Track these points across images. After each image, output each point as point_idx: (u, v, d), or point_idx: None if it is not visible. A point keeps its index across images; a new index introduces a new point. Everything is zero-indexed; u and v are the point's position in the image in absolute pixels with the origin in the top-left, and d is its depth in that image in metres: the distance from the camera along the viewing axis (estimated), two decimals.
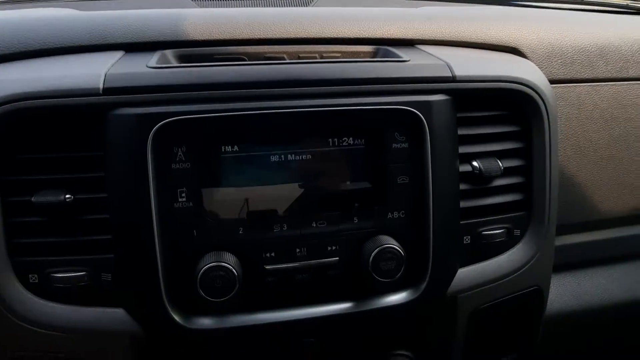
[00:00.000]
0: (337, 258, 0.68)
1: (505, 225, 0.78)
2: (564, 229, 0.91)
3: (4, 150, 0.63)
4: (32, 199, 0.63)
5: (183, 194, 0.64)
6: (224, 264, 0.62)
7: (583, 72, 0.92)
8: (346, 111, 0.67)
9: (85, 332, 0.66)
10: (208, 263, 0.62)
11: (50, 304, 0.65)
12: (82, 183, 0.65)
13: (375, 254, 0.66)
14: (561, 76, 0.91)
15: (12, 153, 0.64)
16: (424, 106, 0.68)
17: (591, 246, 0.99)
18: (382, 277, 0.66)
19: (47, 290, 0.65)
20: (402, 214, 0.70)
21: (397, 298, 0.71)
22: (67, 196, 0.63)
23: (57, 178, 0.64)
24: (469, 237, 0.76)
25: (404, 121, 0.68)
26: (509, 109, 0.78)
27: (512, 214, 0.79)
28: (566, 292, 0.97)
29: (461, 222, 0.75)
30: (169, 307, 0.65)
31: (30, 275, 0.65)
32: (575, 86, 0.92)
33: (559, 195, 0.81)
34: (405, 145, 0.70)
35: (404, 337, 0.74)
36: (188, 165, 0.64)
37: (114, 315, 0.66)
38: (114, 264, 0.65)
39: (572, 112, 0.92)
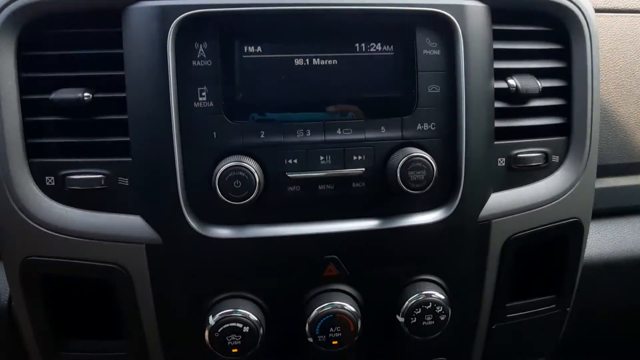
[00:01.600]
0: (363, 169, 0.64)
1: (542, 150, 0.73)
2: (602, 170, 0.85)
3: (24, 48, 0.62)
4: (51, 96, 0.61)
5: (203, 93, 0.61)
6: (244, 164, 0.59)
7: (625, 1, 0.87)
8: (375, 12, 0.63)
9: (101, 237, 0.63)
10: (228, 163, 0.59)
11: (66, 208, 0.64)
12: (101, 82, 0.63)
13: (404, 162, 0.61)
14: (602, 5, 0.86)
15: (31, 50, 0.63)
16: (458, 10, 0.64)
17: (633, 192, 0.92)
18: (411, 188, 0.62)
19: (64, 194, 0.64)
20: (433, 126, 0.66)
21: (426, 217, 0.67)
22: (86, 94, 0.62)
23: (76, 76, 0.62)
24: (504, 159, 0.71)
25: (436, 26, 0.65)
26: (550, 26, 0.73)
27: (551, 138, 0.74)
28: (606, 239, 0.91)
29: (495, 143, 0.70)
30: (186, 214, 0.62)
31: (46, 178, 0.64)
32: (617, 16, 0.87)
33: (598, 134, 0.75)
34: (437, 52, 0.65)
35: (432, 263, 0.69)
36: (209, 63, 0.61)
37: (130, 223, 0.64)
38: (131, 167, 0.63)
39: (613, 43, 0.86)
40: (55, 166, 0.63)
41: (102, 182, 0.63)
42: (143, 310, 0.67)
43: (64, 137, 0.63)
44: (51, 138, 0.64)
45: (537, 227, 0.73)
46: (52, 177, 0.64)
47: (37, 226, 0.63)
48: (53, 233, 0.63)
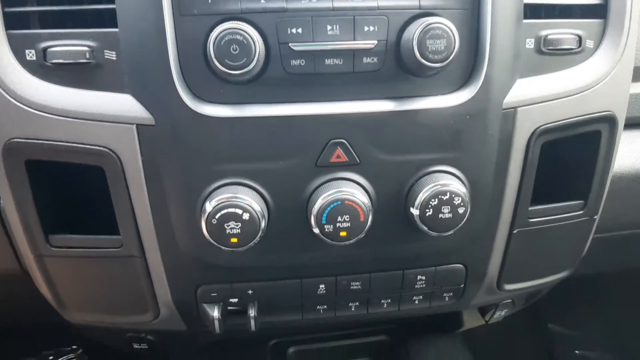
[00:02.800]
0: (375, 42, 0.57)
1: (576, 32, 0.65)
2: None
3: None
4: None
5: None
6: (242, 28, 0.53)
7: None
8: None
9: (87, 117, 0.58)
10: (224, 25, 0.53)
11: (50, 85, 0.58)
12: None
13: (423, 29, 0.54)
14: None
15: None
16: None
17: None
18: (429, 60, 0.55)
19: (46, 70, 0.58)
20: None
21: (445, 100, 0.60)
22: None
23: None
24: (533, 40, 0.64)
25: None
26: None
27: (585, 20, 0.66)
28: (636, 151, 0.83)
29: (524, 21, 0.62)
30: (180, 90, 0.56)
31: (27, 51, 0.58)
32: None
33: None
34: None
35: (451, 153, 0.62)
36: None
37: (119, 101, 0.58)
38: (118, 40, 0.57)
39: None
40: (36, 38, 0.57)
41: (87, 56, 0.57)
42: (136, 200, 0.62)
43: (44, 4, 0.57)
44: (31, 6, 0.58)
45: (567, 119, 0.66)
46: (33, 51, 0.58)
47: (19, 104, 0.58)
48: (36, 112, 0.58)
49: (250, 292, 0.69)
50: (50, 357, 1.74)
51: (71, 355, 1.77)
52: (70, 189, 0.68)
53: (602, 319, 1.83)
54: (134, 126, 0.58)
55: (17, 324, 1.60)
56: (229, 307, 0.70)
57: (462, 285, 0.73)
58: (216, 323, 0.68)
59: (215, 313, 0.68)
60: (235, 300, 0.69)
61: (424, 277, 0.71)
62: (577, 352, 1.73)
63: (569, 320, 1.83)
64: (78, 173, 0.64)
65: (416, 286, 0.71)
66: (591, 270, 1.10)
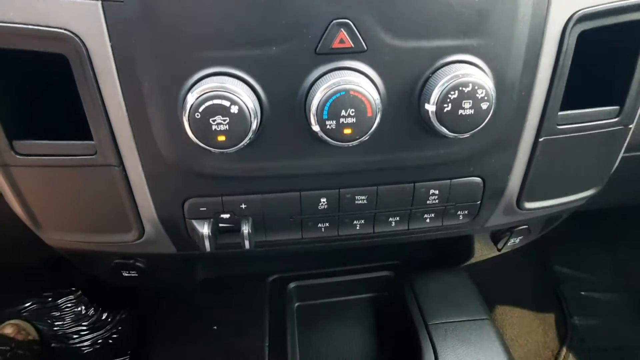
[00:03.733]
0: None
1: None
2: None
3: None
4: None
5: None
6: None
7: None
8: None
9: None
10: None
11: None
12: None
13: None
14: None
15: None
16: None
17: None
18: None
19: None
20: None
21: None
22: None
23: None
24: None
25: None
26: None
27: None
28: None
29: None
30: None
31: None
32: None
33: None
34: None
35: (473, 37, 0.53)
36: None
37: None
38: None
39: None
40: None
41: None
42: (108, 96, 0.53)
43: None
44: None
45: (610, 3, 0.56)
46: None
47: None
48: None
49: (243, 206, 0.62)
50: (49, 299, 1.73)
51: (70, 297, 1.76)
52: (35, 87, 0.59)
53: (610, 261, 1.80)
54: (99, 3, 0.49)
55: (13, 267, 1.58)
56: (221, 225, 0.63)
57: (478, 202, 0.66)
58: (206, 241, 0.61)
59: (205, 230, 0.61)
60: (227, 216, 0.62)
61: (437, 192, 0.64)
62: (582, 292, 1.70)
63: (576, 262, 1.80)
64: (43, 68, 0.56)
65: (428, 202, 0.64)
66: (607, 202, 1.04)
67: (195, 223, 0.62)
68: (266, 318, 1.05)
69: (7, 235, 0.87)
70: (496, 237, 0.83)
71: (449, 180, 0.63)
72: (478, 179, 0.64)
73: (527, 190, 0.67)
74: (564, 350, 1.50)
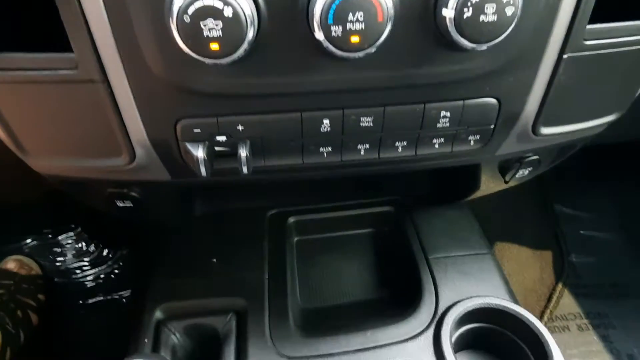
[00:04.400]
0: None
1: None
2: None
3: None
4: None
5: None
6: None
7: None
8: None
9: None
10: None
11: None
12: None
13: None
14: None
15: None
16: None
17: None
18: None
19: None
20: None
21: None
22: None
23: None
24: None
25: None
26: None
27: None
28: None
29: None
30: None
31: None
32: None
33: None
34: None
35: None
36: None
37: None
38: None
39: None
40: None
41: None
42: (87, 3, 0.48)
43: None
44: None
45: None
46: None
47: None
48: None
49: (240, 128, 0.57)
50: (49, 235, 1.74)
51: (70, 233, 1.77)
52: None
53: (612, 201, 1.79)
54: None
55: (11, 202, 1.56)
56: (217, 148, 0.59)
57: (492, 126, 0.62)
58: (201, 165, 0.57)
59: (200, 153, 0.57)
60: (223, 138, 0.58)
61: (448, 114, 0.59)
62: (582, 232, 1.71)
63: (577, 202, 1.79)
64: None
65: (438, 125, 0.60)
66: (617, 135, 1.00)
67: (189, 146, 0.58)
68: (265, 251, 1.05)
69: (2, 168, 0.83)
70: (505, 168, 0.80)
71: (462, 101, 0.58)
72: (493, 100, 0.59)
73: (544, 114, 0.63)
74: (560, 286, 1.53)
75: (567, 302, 1.48)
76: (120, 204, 0.78)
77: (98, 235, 1.75)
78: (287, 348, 0.85)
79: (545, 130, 0.65)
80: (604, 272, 1.57)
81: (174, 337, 0.92)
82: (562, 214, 1.74)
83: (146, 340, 0.89)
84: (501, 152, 0.69)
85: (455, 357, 0.81)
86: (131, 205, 0.78)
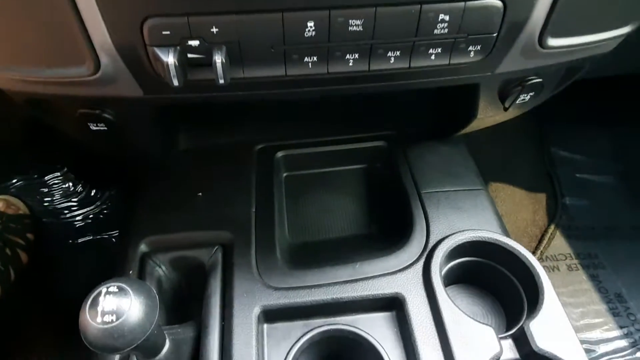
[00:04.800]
0: None
1: None
2: None
3: None
4: None
5: None
6: None
7: None
8: None
9: None
10: None
11: None
12: None
13: None
14: None
15: None
16: None
17: None
18: None
19: None
20: None
21: None
22: None
23: None
24: None
25: None
26: None
27: None
28: None
29: None
30: None
31: None
32: None
33: None
34: None
35: None
36: None
37: None
38: None
39: None
40: None
41: None
42: None
43: None
44: None
45: None
46: None
47: None
48: None
49: (214, 30, 0.51)
50: (35, 176, 1.70)
51: (57, 174, 1.72)
52: None
53: (609, 145, 1.76)
54: None
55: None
56: (190, 55, 0.53)
57: (495, 35, 0.56)
58: (172, 74, 0.52)
59: (170, 59, 0.51)
60: (196, 43, 0.52)
61: (447, 18, 0.53)
62: (577, 175, 1.68)
63: (574, 145, 1.76)
64: None
65: (435, 31, 0.54)
66: (619, 66, 0.94)
67: (158, 51, 0.52)
68: (253, 186, 1.01)
69: None
70: (505, 92, 0.74)
71: (462, 3, 0.52)
72: (498, 3, 0.53)
73: (553, 22, 0.56)
74: (552, 227, 1.52)
75: (559, 244, 1.48)
76: (93, 127, 0.73)
77: (85, 175, 1.72)
78: (273, 279, 0.83)
79: (553, 42, 0.59)
80: (597, 214, 1.56)
81: (160, 269, 0.91)
82: (558, 157, 1.71)
83: (131, 272, 0.87)
84: (503, 70, 0.64)
85: (445, 290, 0.80)
86: (105, 128, 0.73)
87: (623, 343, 1.25)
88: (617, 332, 1.27)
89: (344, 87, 0.61)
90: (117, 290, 0.57)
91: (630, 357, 1.23)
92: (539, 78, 0.72)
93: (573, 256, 1.44)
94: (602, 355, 1.22)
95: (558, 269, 1.41)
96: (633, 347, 1.24)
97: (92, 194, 1.71)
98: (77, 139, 0.82)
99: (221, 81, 0.53)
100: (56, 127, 0.81)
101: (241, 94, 0.59)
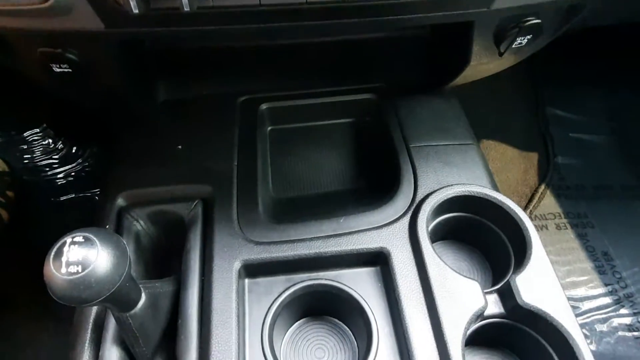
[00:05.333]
0: None
1: None
2: None
3: None
4: None
5: None
6: None
7: None
8: None
9: None
10: None
11: None
12: None
13: None
14: None
15: None
16: None
17: None
18: None
19: None
20: None
21: None
22: None
23: None
24: None
25: None
26: None
27: None
28: None
29: None
30: None
31: None
32: None
33: None
34: None
35: None
36: None
37: None
38: None
39: None
40: None
41: None
42: None
43: None
44: None
45: None
46: None
47: None
48: None
49: None
50: (13, 132, 1.64)
51: (36, 130, 1.66)
52: None
53: (605, 104, 1.72)
54: None
55: None
56: None
57: None
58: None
59: None
60: None
61: None
62: (571, 134, 1.66)
63: (569, 104, 1.72)
64: None
65: None
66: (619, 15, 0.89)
67: None
68: (235, 139, 0.96)
69: None
70: (501, 34, 0.69)
71: None
72: None
73: None
74: (542, 187, 1.50)
75: (548, 203, 1.47)
76: (56, 68, 0.67)
77: (66, 132, 1.66)
78: (254, 234, 0.81)
79: None
80: (588, 174, 1.54)
81: (138, 224, 0.87)
82: (552, 116, 1.68)
83: (107, 226, 0.84)
84: (499, 6, 0.59)
85: (431, 244, 0.77)
86: (70, 70, 0.67)
87: (607, 300, 1.26)
88: (601, 290, 1.28)
89: (324, 22, 0.56)
90: (82, 240, 0.53)
91: (613, 313, 1.24)
92: (538, 19, 0.66)
93: (562, 215, 1.43)
94: (586, 312, 1.23)
95: (547, 228, 1.40)
96: (617, 304, 1.25)
97: (74, 151, 1.66)
98: (42, 84, 0.76)
99: (186, 9, 0.47)
100: (18, 70, 0.75)
101: (211, 29, 0.54)
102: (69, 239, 0.53)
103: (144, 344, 0.70)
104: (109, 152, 1.66)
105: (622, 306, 1.25)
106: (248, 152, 0.95)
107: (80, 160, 1.68)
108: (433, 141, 0.95)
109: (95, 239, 0.53)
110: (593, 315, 1.24)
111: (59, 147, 1.66)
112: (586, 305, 1.25)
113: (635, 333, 1.20)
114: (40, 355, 1.27)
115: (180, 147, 0.96)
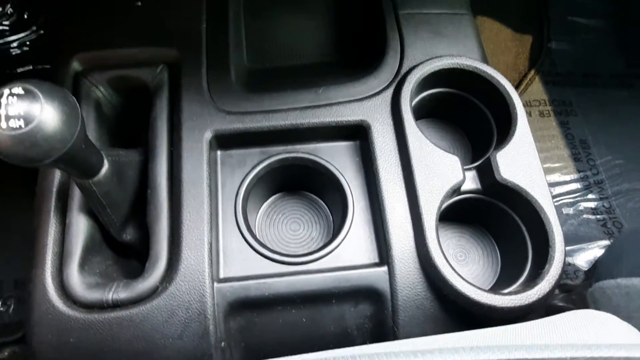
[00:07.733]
0: None
1: None
2: None
3: None
4: None
5: None
6: None
7: None
8: None
9: None
10: None
11: None
12: None
13: None
14: None
15: None
16: None
17: None
18: None
19: None
20: None
21: None
22: None
23: None
24: None
25: None
26: None
27: None
28: None
29: None
30: None
31: None
32: None
33: None
34: None
35: None
36: None
37: None
38: None
39: None
40: None
41: None
42: None
43: None
44: None
45: None
46: None
47: None
48: None
49: None
50: None
51: None
52: None
53: None
54: None
55: None
56: None
57: None
58: None
59: None
60: None
61: None
62: (569, 17, 1.55)
63: None
64: None
65: None
66: None
67: None
68: None
69: None
70: None
71: None
72: None
73: None
74: (532, 72, 1.44)
75: (535, 89, 1.42)
76: None
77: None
78: (226, 103, 0.75)
79: None
80: (580, 61, 1.48)
81: (97, 90, 0.80)
82: None
83: None
84: None
85: (414, 118, 0.73)
86: None
87: (577, 185, 1.29)
88: (574, 176, 1.30)
89: None
90: (22, 92, 0.47)
91: (580, 198, 1.28)
92: None
93: (547, 102, 1.40)
94: (556, 196, 1.27)
95: (530, 115, 1.37)
96: (586, 189, 1.29)
97: (25, 17, 1.48)
98: None
99: None
100: None
101: None
102: (6, 91, 0.46)
103: (113, 213, 0.67)
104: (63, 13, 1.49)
105: (591, 191, 1.28)
106: (219, 13, 0.84)
107: (34, 28, 1.50)
108: (424, 8, 0.86)
109: (37, 90, 0.47)
110: (562, 199, 1.27)
111: (8, 12, 1.47)
112: (557, 190, 1.28)
113: (599, 216, 1.25)
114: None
115: (140, 3, 0.84)
